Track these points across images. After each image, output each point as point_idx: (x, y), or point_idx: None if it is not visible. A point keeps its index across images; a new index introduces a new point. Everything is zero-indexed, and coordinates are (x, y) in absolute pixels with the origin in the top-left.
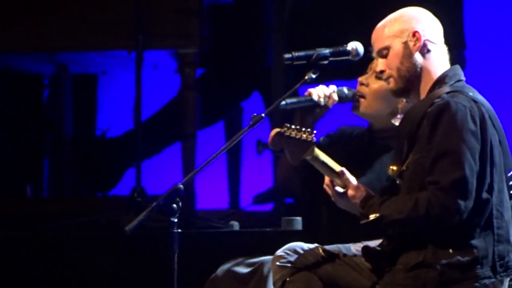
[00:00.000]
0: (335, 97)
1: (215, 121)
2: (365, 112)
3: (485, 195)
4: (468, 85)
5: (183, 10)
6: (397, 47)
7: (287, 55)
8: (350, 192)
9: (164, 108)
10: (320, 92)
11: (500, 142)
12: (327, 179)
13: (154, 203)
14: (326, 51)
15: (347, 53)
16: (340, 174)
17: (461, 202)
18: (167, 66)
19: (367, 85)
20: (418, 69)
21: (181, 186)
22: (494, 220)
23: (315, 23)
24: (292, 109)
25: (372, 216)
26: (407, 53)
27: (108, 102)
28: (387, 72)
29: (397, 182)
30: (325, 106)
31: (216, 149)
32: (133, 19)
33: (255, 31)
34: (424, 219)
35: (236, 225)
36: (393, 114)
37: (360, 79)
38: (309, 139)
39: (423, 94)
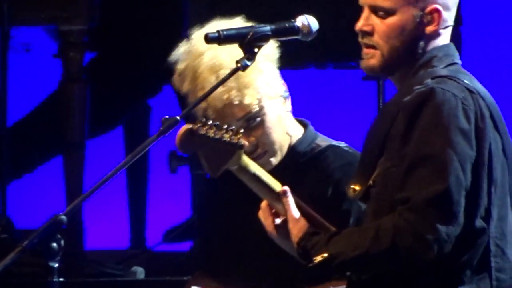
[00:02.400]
0: None
1: (112, 126)
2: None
3: (479, 223)
4: (465, 70)
5: None
6: (404, 17)
7: (212, 34)
8: (289, 225)
9: (39, 107)
10: None
11: (504, 151)
12: (264, 203)
13: (26, 241)
14: (267, 28)
15: (296, 30)
16: (281, 195)
17: (441, 228)
18: (43, 49)
19: (256, 140)
20: (416, 50)
21: (64, 217)
22: (492, 259)
23: None
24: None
25: (318, 258)
26: (414, 32)
27: None
28: (375, 39)
29: (362, 207)
30: None
31: (113, 165)
32: None
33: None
34: (390, 254)
35: (140, 272)
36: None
37: (246, 149)
38: (234, 141)
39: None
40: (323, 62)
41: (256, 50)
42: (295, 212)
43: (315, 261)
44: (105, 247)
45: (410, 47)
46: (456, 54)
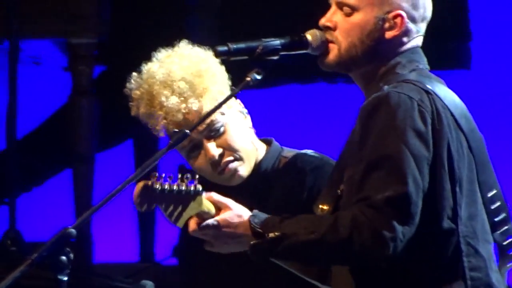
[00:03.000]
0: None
1: (121, 139)
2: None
3: (446, 224)
4: (430, 74)
5: None
6: (366, 17)
7: (221, 48)
8: (228, 214)
9: (48, 120)
10: None
11: (471, 149)
12: (192, 222)
13: (35, 254)
14: (276, 42)
15: (305, 44)
16: (208, 197)
17: (398, 227)
18: (53, 62)
19: (223, 148)
20: (377, 55)
21: (73, 230)
22: (465, 259)
23: (259, 1)
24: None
25: (271, 235)
26: (375, 33)
27: None
28: (335, 35)
29: None
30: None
31: (122, 179)
32: None
33: (174, 12)
34: (345, 244)
35: (149, 286)
36: None
37: (211, 155)
38: (191, 190)
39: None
40: (333, 76)
41: (266, 64)
42: (228, 200)
43: (268, 237)
44: (114, 261)
45: (369, 48)
46: (422, 58)
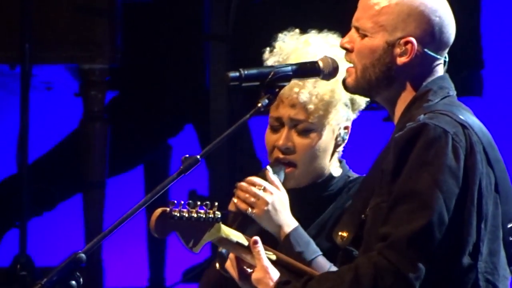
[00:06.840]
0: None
1: (133, 164)
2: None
3: (466, 259)
4: (460, 103)
5: (86, 10)
6: (377, 41)
7: (233, 74)
8: (256, 275)
9: (60, 145)
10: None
11: (496, 186)
12: (231, 256)
13: (45, 279)
14: (288, 68)
15: (317, 71)
16: (252, 245)
17: (422, 266)
18: (65, 87)
19: (294, 146)
20: (393, 80)
21: (83, 255)
22: None
23: (271, 30)
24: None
25: None
26: (385, 58)
27: None
28: (353, 57)
29: (353, 253)
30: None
31: (132, 204)
32: (17, 23)
33: (189, 40)
34: None
35: None
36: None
37: (280, 143)
38: (210, 216)
39: (397, 112)
40: None
41: (277, 90)
42: (266, 262)
43: None
44: (124, 286)
45: (381, 73)
46: (451, 85)
